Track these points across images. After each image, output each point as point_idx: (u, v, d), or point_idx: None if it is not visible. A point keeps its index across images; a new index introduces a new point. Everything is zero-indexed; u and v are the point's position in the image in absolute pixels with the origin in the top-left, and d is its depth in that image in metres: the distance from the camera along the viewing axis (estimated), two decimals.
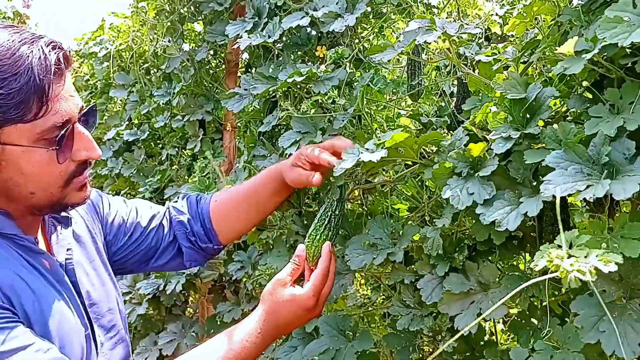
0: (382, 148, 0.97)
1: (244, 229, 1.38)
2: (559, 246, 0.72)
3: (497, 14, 1.54)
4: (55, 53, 0.91)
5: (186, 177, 2.28)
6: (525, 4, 1.01)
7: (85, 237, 1.16)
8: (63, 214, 1.09)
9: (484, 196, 0.88)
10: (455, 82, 1.37)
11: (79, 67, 2.95)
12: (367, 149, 1.00)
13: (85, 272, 1.11)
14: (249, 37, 1.44)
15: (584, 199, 0.73)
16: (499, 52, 1.07)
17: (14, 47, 0.88)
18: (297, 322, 1.09)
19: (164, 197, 2.22)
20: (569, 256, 0.63)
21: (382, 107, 1.47)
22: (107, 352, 1.10)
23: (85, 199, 1.04)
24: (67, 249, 1.08)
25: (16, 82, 0.86)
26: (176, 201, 1.37)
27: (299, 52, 1.55)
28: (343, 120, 1.23)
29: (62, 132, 0.93)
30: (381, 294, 1.29)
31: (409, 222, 1.15)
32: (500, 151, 0.88)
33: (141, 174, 2.43)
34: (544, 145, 0.86)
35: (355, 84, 1.33)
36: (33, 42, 0.90)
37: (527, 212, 0.82)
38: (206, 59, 2.10)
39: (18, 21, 4.55)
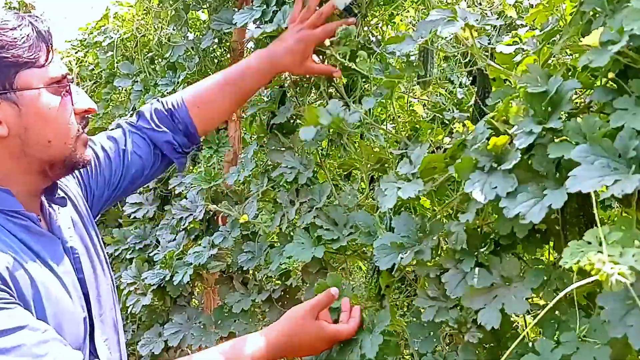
0: (417, 178, 1.03)
1: (222, 119, 1.53)
2: (589, 243, 0.71)
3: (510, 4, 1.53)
4: (47, 19, 1.04)
5: (191, 167, 2.27)
6: None
7: (78, 215, 1.19)
8: (59, 194, 1.13)
9: (506, 189, 0.87)
10: (474, 71, 1.35)
11: (84, 57, 2.92)
12: (401, 176, 1.05)
13: (82, 252, 1.13)
14: (259, 26, 1.41)
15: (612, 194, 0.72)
16: (520, 41, 1.06)
17: (12, 11, 1.02)
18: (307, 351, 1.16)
19: (169, 187, 2.20)
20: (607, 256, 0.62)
21: (397, 97, 1.46)
22: (105, 333, 1.12)
23: (89, 158, 1.13)
24: (68, 228, 1.12)
25: (24, 30, 0.98)
26: (138, 115, 1.39)
27: None
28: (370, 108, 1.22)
29: (68, 81, 1.05)
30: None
31: (436, 217, 1.14)
32: (522, 146, 0.86)
33: None
34: (567, 138, 0.84)
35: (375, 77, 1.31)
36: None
37: (551, 204, 0.81)
38: (211, 48, 2.08)
39: (24, 11, 4.50)
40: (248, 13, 1.56)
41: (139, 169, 1.35)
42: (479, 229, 1.05)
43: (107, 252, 2.38)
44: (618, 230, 0.69)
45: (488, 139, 0.96)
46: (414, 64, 1.25)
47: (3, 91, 0.96)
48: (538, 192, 0.84)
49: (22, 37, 0.97)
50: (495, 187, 0.88)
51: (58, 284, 1.01)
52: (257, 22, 1.52)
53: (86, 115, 1.11)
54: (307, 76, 1.54)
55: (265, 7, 1.50)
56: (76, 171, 1.23)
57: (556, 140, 0.86)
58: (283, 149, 1.59)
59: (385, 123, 1.66)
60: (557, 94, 0.87)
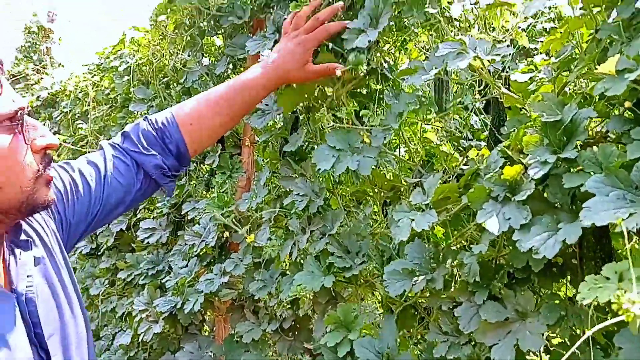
0: (430, 208, 1.02)
1: (215, 137, 1.38)
2: (607, 278, 0.68)
3: (522, 29, 1.51)
4: None
5: (204, 193, 2.27)
6: (560, 19, 0.97)
7: (47, 253, 1.07)
8: (22, 237, 1.02)
9: (520, 221, 0.84)
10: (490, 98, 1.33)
11: (100, 81, 2.96)
12: (414, 206, 1.04)
13: (47, 297, 1.01)
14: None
15: None
16: (535, 69, 1.04)
17: None
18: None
19: (182, 212, 2.20)
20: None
21: (410, 123, 1.44)
22: None
23: (52, 199, 1.00)
24: (28, 276, 0.98)
25: None
26: (124, 136, 1.28)
27: None
28: (384, 138, 1.20)
29: (20, 117, 0.92)
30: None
31: (449, 246, 1.12)
32: (536, 176, 0.84)
33: None
34: (582, 168, 0.82)
35: (386, 100, 1.30)
36: None
37: (565, 239, 0.79)
38: (225, 73, 2.09)
39: (42, 35, 4.62)
40: (261, 41, 1.57)
41: (120, 196, 1.23)
42: (493, 260, 1.02)
43: (119, 277, 2.40)
44: (637, 266, 0.66)
45: (502, 167, 0.94)
46: (427, 101, 1.24)
47: None
48: (552, 225, 0.81)
49: None
50: (509, 219, 0.86)
51: (10, 336, 0.89)
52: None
53: (48, 152, 0.99)
54: (320, 101, 1.54)
55: (277, 35, 1.50)
56: None
57: (572, 170, 0.84)
58: (295, 175, 1.58)
59: (398, 148, 1.65)
60: (572, 122, 0.85)
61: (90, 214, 1.19)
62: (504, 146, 0.99)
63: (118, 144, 1.27)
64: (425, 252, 1.12)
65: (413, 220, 1.04)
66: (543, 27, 2.50)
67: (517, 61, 1.70)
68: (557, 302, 0.87)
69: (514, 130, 1.03)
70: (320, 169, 1.21)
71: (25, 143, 0.93)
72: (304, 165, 1.59)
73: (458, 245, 1.23)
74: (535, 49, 2.33)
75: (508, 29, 1.53)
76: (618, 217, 0.68)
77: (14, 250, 0.99)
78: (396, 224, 1.09)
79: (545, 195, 0.87)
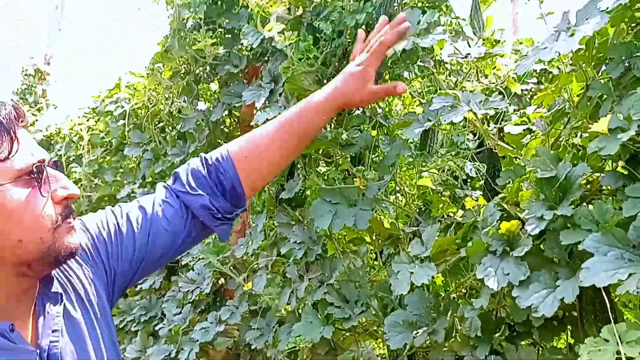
0: (429, 261, 1.03)
1: (276, 170, 1.28)
2: (606, 340, 0.68)
3: (515, 74, 1.54)
4: (9, 105, 0.92)
5: None
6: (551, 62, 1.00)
7: (81, 305, 1.04)
8: (53, 289, 1.00)
9: (519, 277, 0.85)
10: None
11: (95, 125, 2.97)
12: (412, 258, 1.06)
13: (74, 353, 0.99)
14: (264, 111, 1.44)
15: None
16: (529, 121, 1.06)
17: None
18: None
19: (176, 258, 2.18)
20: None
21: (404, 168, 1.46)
22: None
23: (76, 246, 0.98)
24: (53, 331, 0.96)
25: None
26: (175, 176, 1.22)
27: None
28: (379, 190, 1.21)
29: (38, 171, 0.92)
30: None
31: (450, 296, 1.12)
32: (534, 232, 0.85)
33: None
34: (579, 225, 0.83)
35: (382, 150, 1.32)
36: None
37: (563, 297, 0.79)
38: (221, 119, 2.11)
39: (38, 77, 4.66)
40: (257, 90, 1.60)
41: (167, 242, 1.16)
42: (493, 312, 1.02)
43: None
44: (637, 328, 0.67)
45: (499, 221, 0.95)
46: (420, 154, 1.26)
47: None
48: (550, 282, 0.82)
49: None
50: (508, 274, 0.86)
51: None
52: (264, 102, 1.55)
53: (69, 202, 0.98)
54: (316, 150, 1.56)
55: (273, 85, 1.53)
56: (92, 250, 1.09)
57: (569, 226, 0.85)
58: (292, 222, 1.58)
59: (394, 193, 1.66)
60: (566, 179, 0.87)
61: (136, 261, 1.14)
62: (500, 199, 1.01)
63: (169, 185, 1.22)
64: (426, 302, 1.12)
65: (412, 273, 1.05)
66: (534, 69, 2.55)
67: (509, 105, 1.73)
68: (559, 357, 0.87)
69: (510, 182, 1.04)
70: (317, 226, 1.21)
71: (44, 196, 0.93)
72: (301, 212, 1.59)
73: (458, 295, 1.23)
74: (530, 90, 2.37)
75: (500, 77, 1.57)
76: (617, 279, 0.69)
77: (45, 304, 0.98)
78: (395, 276, 1.09)
79: (543, 250, 0.88)
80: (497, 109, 0.98)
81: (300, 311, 1.42)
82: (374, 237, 1.51)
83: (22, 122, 0.93)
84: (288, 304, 1.47)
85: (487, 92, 1.48)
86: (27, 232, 0.91)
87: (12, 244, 0.90)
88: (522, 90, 2.34)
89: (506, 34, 3.14)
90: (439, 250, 1.07)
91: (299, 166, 1.67)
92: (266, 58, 1.79)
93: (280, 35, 1.38)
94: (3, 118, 0.89)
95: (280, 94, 1.50)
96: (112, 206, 1.18)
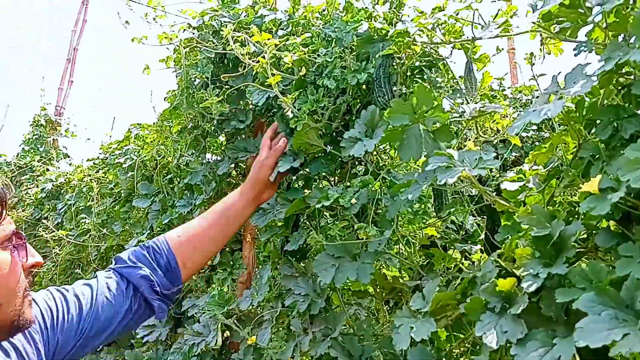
0: (428, 316, 1.04)
1: (208, 252, 1.44)
2: None
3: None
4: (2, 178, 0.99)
5: (205, 288, 2.27)
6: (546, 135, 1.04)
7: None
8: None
9: (516, 335, 0.86)
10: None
11: (104, 175, 3.03)
12: (414, 313, 1.07)
13: None
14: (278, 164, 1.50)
15: None
16: (524, 177, 1.09)
17: None
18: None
19: (182, 309, 2.19)
20: None
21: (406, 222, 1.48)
22: None
23: (33, 319, 1.02)
24: None
25: None
26: (116, 259, 1.34)
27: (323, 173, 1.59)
28: (379, 244, 1.24)
29: (18, 237, 0.98)
30: None
31: (452, 352, 1.13)
32: (530, 290, 0.87)
33: None
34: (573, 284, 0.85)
35: (386, 204, 1.35)
36: None
37: (560, 356, 0.80)
38: (228, 172, 2.15)
39: (50, 128, 4.79)
40: None
41: (110, 315, 1.23)
42: None
43: None
44: None
45: (497, 277, 0.97)
46: (421, 211, 1.29)
47: None
48: (548, 340, 0.83)
49: None
50: (506, 332, 0.88)
51: None
52: None
53: (32, 271, 1.03)
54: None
55: None
56: (38, 320, 1.13)
57: (564, 284, 0.87)
58: (296, 274, 1.60)
59: (398, 243, 1.68)
60: (560, 237, 0.89)
61: (79, 332, 1.19)
62: (498, 255, 1.03)
63: (111, 267, 1.33)
64: (428, 357, 1.13)
65: (413, 328, 1.06)
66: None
67: (511, 152, 1.76)
68: None
69: (508, 238, 1.06)
70: (321, 281, 1.24)
71: (21, 261, 0.98)
72: (306, 264, 1.61)
73: (461, 350, 1.23)
74: (530, 137, 2.41)
75: (499, 130, 1.61)
76: (612, 339, 0.70)
77: None
78: (397, 330, 1.10)
79: (540, 308, 0.89)
80: (491, 168, 1.01)
81: None
82: (377, 289, 1.52)
83: (10, 194, 0.99)
84: (292, 357, 1.48)
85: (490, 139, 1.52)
86: (5, 297, 0.94)
87: None
88: (523, 137, 2.39)
89: (505, 82, 3.20)
90: (440, 306, 1.08)
91: (303, 219, 1.70)
92: (271, 113, 1.85)
93: (282, 94, 1.44)
94: None
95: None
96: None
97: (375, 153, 1.66)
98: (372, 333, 1.45)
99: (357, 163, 1.69)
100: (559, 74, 1.03)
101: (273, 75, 1.39)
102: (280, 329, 1.70)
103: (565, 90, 0.91)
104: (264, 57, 1.43)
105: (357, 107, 1.57)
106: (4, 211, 0.96)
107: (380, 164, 1.69)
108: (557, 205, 1.05)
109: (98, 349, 2.70)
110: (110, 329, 1.24)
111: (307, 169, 1.62)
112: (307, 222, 1.67)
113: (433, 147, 1.14)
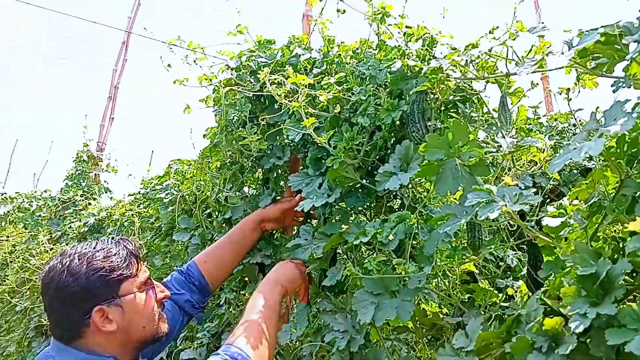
0: (472, 355, 1.05)
1: (228, 269, 1.93)
2: None
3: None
4: (135, 242, 1.55)
5: None
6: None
7: None
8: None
9: None
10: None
11: (145, 210, 3.10)
12: (457, 351, 1.08)
13: None
14: (311, 198, 1.50)
15: None
16: (566, 212, 1.08)
17: (109, 239, 1.51)
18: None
19: (220, 342, 2.20)
20: None
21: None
22: None
23: (167, 331, 1.55)
24: None
25: (121, 253, 1.45)
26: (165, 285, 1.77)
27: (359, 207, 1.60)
28: (420, 282, 1.24)
29: (149, 281, 1.50)
30: None
31: None
32: (577, 330, 0.85)
33: None
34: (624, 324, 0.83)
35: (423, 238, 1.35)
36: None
37: None
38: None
39: (92, 163, 4.96)
40: (302, 178, 1.67)
41: (172, 326, 1.67)
42: None
43: None
44: None
45: (542, 315, 0.95)
46: (460, 247, 1.28)
47: (112, 299, 1.39)
48: None
49: (121, 259, 1.43)
50: None
51: None
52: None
53: (163, 301, 1.57)
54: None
55: (321, 177, 1.60)
56: None
57: (613, 324, 0.85)
58: (335, 310, 1.59)
59: (436, 277, 1.67)
60: (607, 277, 0.87)
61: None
62: (542, 292, 1.01)
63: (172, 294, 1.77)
64: None
65: None
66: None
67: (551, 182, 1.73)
68: None
69: (551, 274, 1.05)
70: (360, 320, 1.24)
71: (156, 296, 1.52)
72: (344, 299, 1.61)
73: None
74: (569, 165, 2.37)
75: (536, 162, 1.59)
76: None
77: None
78: None
79: (588, 348, 0.88)
80: (531, 203, 1.01)
81: None
82: (417, 325, 1.51)
83: (142, 252, 1.47)
84: None
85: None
86: (147, 321, 1.47)
87: (139, 329, 1.45)
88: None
89: (540, 110, 3.16)
90: (484, 344, 1.07)
91: (339, 252, 1.71)
92: (306, 149, 1.88)
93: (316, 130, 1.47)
94: (135, 250, 1.49)
95: (320, 184, 1.57)
96: None
97: (410, 186, 1.67)
98: None
99: (392, 197, 1.70)
100: (597, 108, 1.02)
101: (307, 116, 1.43)
102: None
103: (605, 129, 0.90)
104: (299, 97, 1.46)
105: (392, 141, 1.58)
106: (139, 264, 1.47)
107: (417, 197, 1.69)
108: (600, 242, 1.03)
109: None
110: (172, 336, 1.72)
111: (343, 203, 1.64)
112: (344, 257, 1.68)
113: (469, 181, 1.15)
